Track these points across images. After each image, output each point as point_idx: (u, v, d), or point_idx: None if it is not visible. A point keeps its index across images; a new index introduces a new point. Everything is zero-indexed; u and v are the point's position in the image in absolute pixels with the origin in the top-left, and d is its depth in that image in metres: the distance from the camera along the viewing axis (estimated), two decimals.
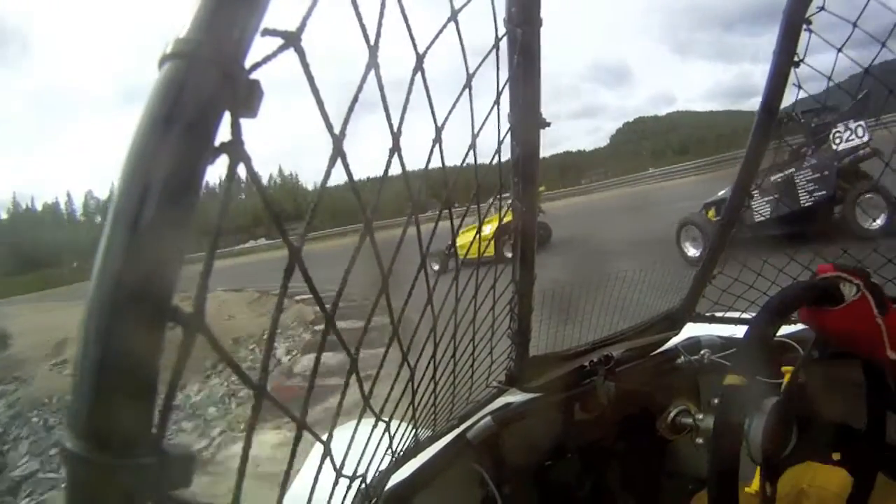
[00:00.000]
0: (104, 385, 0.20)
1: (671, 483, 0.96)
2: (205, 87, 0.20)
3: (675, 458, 0.99)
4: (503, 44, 0.50)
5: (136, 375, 0.20)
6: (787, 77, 0.80)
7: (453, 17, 0.38)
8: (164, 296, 0.19)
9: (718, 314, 1.06)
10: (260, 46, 0.22)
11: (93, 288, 0.20)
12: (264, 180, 0.26)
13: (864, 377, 0.74)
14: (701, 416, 0.90)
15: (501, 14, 0.50)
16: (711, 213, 5.36)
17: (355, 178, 0.30)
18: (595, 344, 0.96)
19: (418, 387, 0.56)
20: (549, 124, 0.57)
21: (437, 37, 0.35)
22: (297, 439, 0.31)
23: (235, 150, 0.21)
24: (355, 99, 0.26)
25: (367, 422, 0.51)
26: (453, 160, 0.48)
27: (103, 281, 0.20)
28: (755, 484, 0.67)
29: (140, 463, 0.20)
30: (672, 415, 0.93)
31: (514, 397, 0.93)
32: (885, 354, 0.67)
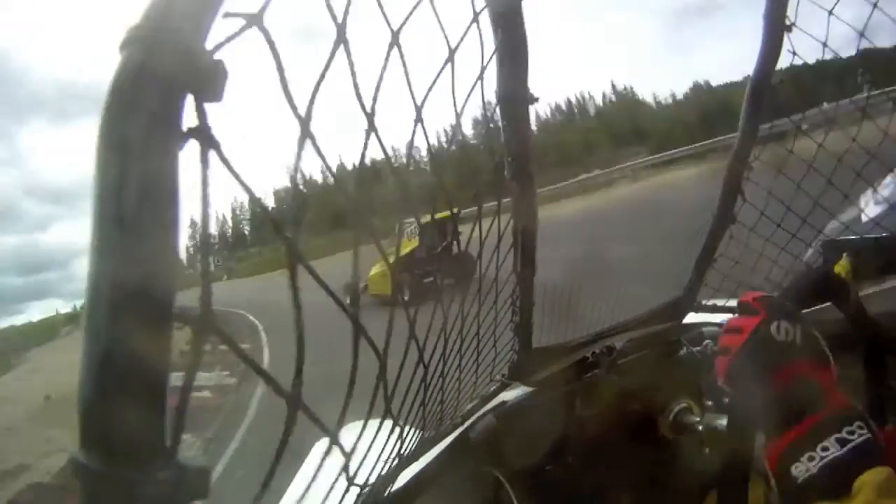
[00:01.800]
0: (109, 390, 0.19)
1: (674, 481, 0.96)
2: (163, 70, 0.19)
3: (677, 455, 0.99)
4: (488, 20, 0.49)
5: (140, 380, 0.19)
6: (780, 42, 0.79)
7: None
8: (162, 293, 0.19)
9: (720, 303, 1.06)
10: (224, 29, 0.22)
11: (88, 288, 0.19)
12: None
13: (864, 371, 0.73)
14: (710, 404, 0.90)
15: None
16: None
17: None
18: (597, 335, 0.96)
19: (430, 385, 0.55)
20: (537, 100, 0.56)
21: (412, 11, 0.34)
22: (327, 453, 0.31)
23: (203, 135, 0.20)
24: (321, 78, 0.25)
25: (374, 423, 0.50)
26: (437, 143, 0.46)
27: (97, 281, 0.19)
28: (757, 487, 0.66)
29: (154, 477, 0.19)
30: (674, 413, 0.93)
31: (517, 392, 0.93)
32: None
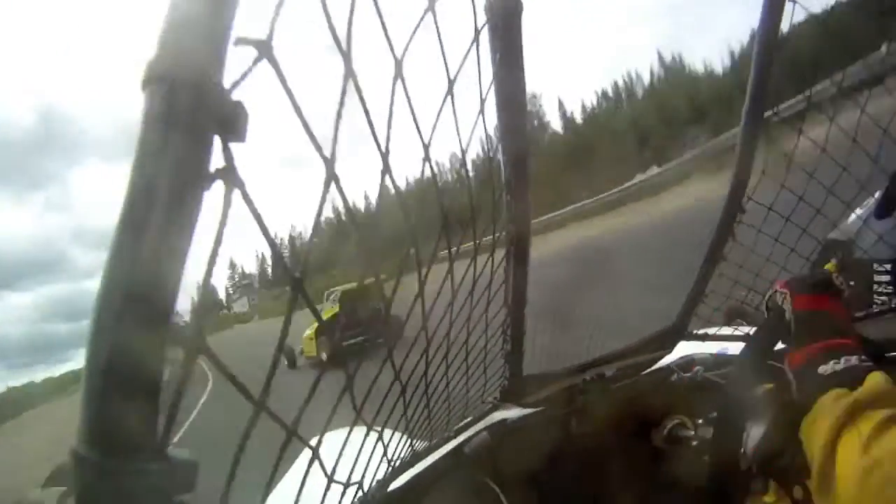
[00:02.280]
0: (109, 388, 0.20)
1: (669, 495, 0.96)
2: (188, 111, 0.20)
3: (673, 469, 0.99)
4: (488, 40, 0.49)
5: (138, 381, 0.20)
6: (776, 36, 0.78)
7: (430, 6, 0.36)
8: (163, 305, 0.20)
9: (711, 331, 1.07)
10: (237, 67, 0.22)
11: (99, 298, 0.20)
12: None
13: None
14: (700, 422, 0.90)
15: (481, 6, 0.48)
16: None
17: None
18: (588, 364, 0.96)
19: (411, 399, 0.57)
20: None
21: (413, 33, 0.33)
22: (285, 445, 0.31)
23: (230, 176, 0.21)
24: (339, 114, 0.25)
25: (360, 430, 0.51)
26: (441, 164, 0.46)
27: (109, 292, 0.20)
28: (771, 493, 0.67)
29: (146, 468, 0.21)
30: (668, 427, 0.94)
31: (510, 413, 0.94)
32: None
